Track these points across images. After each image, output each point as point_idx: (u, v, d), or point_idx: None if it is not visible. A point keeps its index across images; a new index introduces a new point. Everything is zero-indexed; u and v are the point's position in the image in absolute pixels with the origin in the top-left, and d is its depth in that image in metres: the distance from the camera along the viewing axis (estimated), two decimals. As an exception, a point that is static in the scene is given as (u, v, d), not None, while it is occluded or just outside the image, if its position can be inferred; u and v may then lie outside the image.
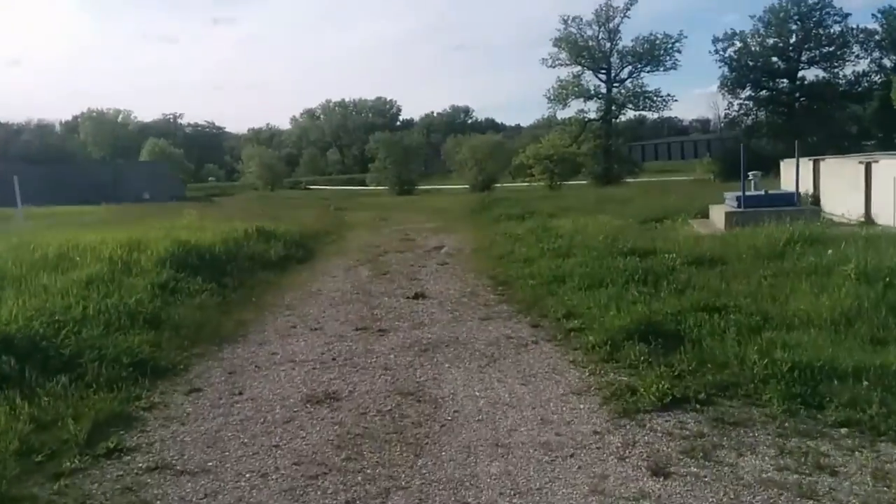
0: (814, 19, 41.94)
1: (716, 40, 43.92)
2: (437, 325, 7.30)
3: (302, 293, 9.50)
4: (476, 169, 44.11)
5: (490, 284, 9.39)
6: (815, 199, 15.63)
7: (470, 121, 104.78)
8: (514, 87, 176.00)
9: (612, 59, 45.17)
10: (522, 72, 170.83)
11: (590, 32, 44.68)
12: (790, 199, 13.86)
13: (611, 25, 44.50)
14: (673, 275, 8.03)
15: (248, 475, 4.01)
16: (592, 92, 45.33)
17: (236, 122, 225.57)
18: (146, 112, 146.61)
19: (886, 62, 42.73)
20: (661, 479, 3.68)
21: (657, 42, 44.19)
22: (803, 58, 43.09)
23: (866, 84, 42.97)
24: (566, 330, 6.61)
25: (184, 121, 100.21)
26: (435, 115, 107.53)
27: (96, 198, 31.44)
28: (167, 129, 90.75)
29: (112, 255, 9.56)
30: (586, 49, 44.64)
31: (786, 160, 18.79)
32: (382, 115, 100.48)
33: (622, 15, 44.11)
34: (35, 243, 10.75)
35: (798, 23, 42.30)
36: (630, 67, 45.24)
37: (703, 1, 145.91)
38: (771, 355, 5.01)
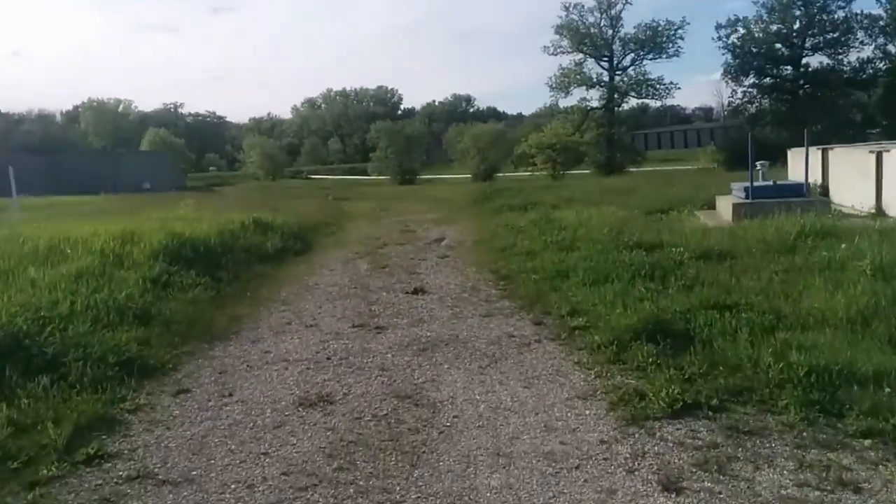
0: (818, 5, 41.07)
1: (719, 27, 43.10)
2: (436, 323, 7.06)
3: (298, 287, 9.27)
4: (478, 158, 43.83)
5: (491, 279, 9.14)
6: (824, 190, 15.29)
7: (472, 109, 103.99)
8: (515, 75, 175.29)
9: (614, 47, 44.82)
10: (524, 60, 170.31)
11: (592, 19, 44.36)
12: (799, 190, 13.55)
13: (613, 12, 44.17)
14: (681, 270, 7.77)
15: (233, 486, 3.78)
16: (595, 80, 45.08)
17: (237, 111, 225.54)
18: (147, 102, 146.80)
19: (891, 48, 41.78)
20: (673, 496, 3.43)
21: (659, 29, 43.78)
22: (807, 44, 42.22)
23: (871, 71, 42.05)
24: (570, 328, 6.35)
25: (185, 110, 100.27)
26: (436, 103, 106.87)
27: (97, 188, 31.34)
28: (168, 118, 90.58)
29: (104, 248, 9.32)
30: (588, 36, 44.23)
31: (793, 149, 18.41)
32: (384, 103, 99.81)
33: (624, 2, 43.84)
34: (26, 235, 10.52)
35: (802, 8, 41.43)
36: (632, 55, 44.97)
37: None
38: (786, 358, 4.75)
